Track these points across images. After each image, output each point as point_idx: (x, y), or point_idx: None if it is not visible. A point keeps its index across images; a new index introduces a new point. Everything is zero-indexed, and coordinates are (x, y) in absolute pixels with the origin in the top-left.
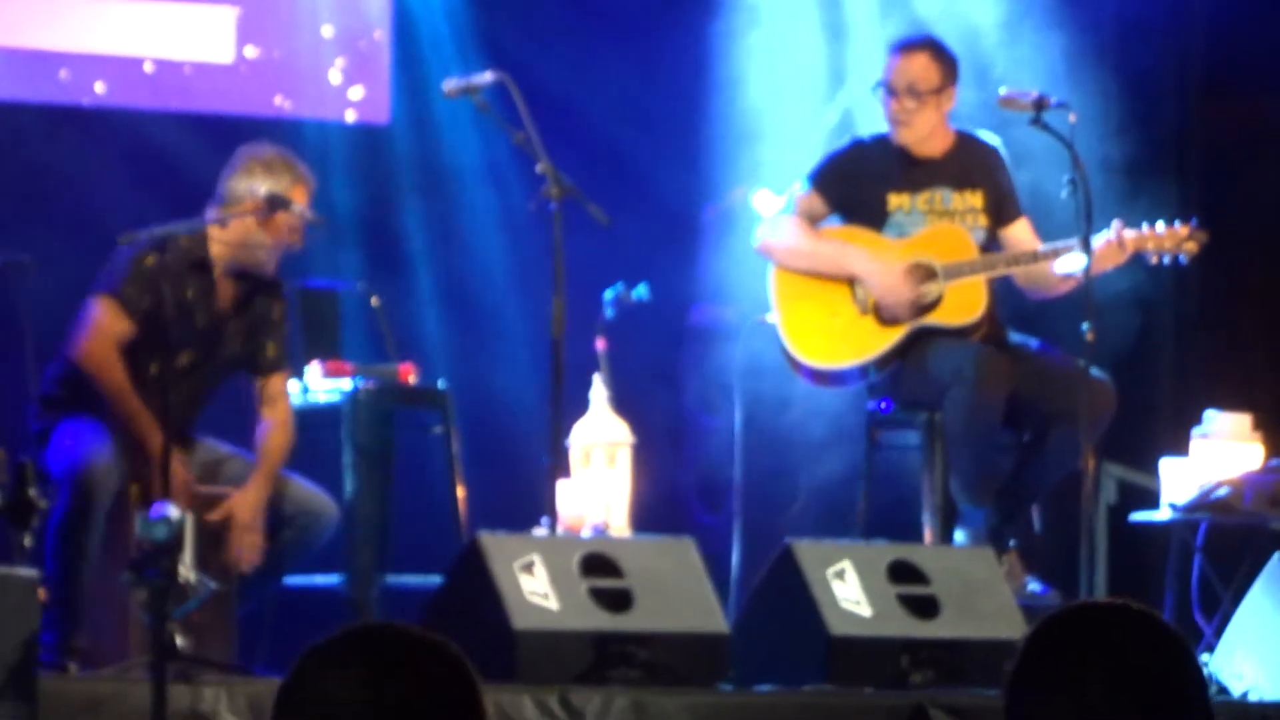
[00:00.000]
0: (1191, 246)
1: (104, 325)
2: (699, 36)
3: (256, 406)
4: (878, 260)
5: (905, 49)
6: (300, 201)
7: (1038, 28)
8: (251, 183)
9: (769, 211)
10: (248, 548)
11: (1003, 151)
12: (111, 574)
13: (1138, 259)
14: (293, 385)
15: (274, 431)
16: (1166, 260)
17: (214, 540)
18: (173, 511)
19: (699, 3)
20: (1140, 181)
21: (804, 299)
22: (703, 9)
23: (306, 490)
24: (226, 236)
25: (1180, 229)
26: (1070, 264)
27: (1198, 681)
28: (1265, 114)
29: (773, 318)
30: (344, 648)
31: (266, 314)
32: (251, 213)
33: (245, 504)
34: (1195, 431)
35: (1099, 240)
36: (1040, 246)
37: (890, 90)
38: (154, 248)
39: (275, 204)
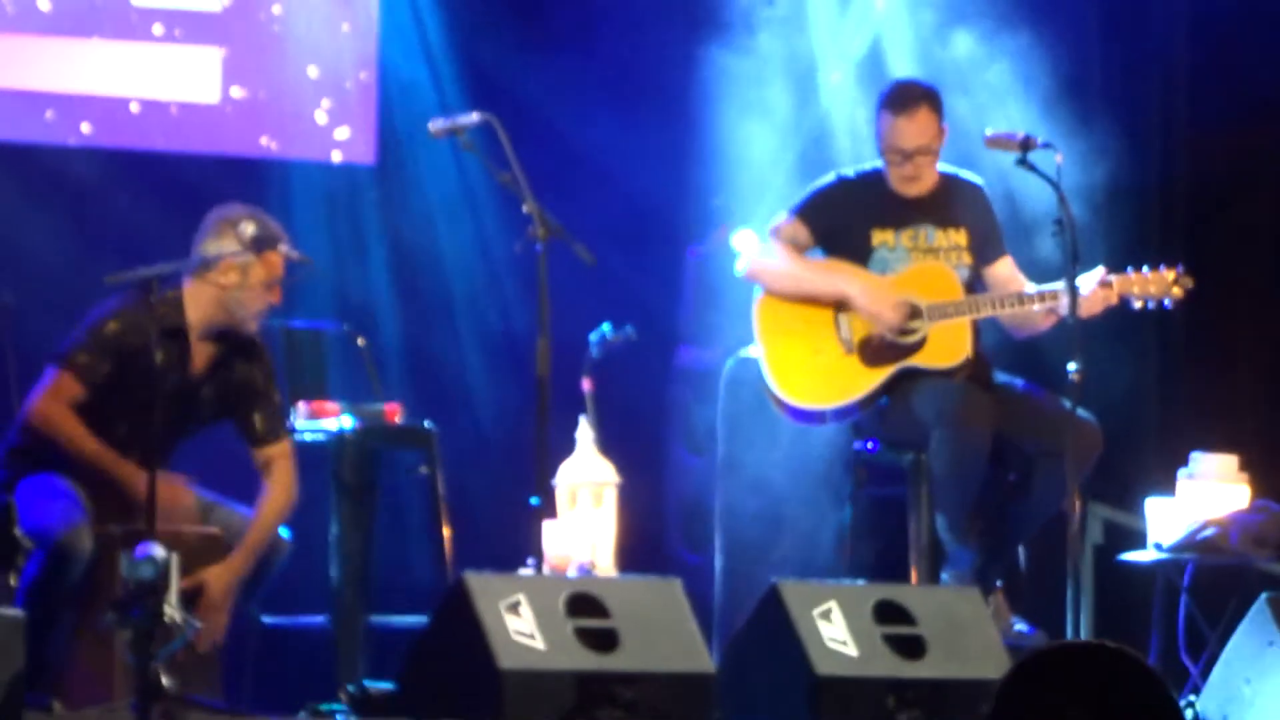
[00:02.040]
0: (1178, 291)
1: (55, 392)
2: (685, 79)
3: (259, 470)
4: (868, 281)
5: (906, 108)
6: (274, 260)
7: (1021, 66)
8: (222, 245)
9: (750, 249)
10: (212, 627)
11: (986, 190)
12: (96, 614)
13: (1123, 303)
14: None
15: (269, 501)
16: (1152, 305)
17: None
18: (158, 551)
19: (686, 47)
20: (1125, 221)
21: (788, 335)
22: (690, 54)
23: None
24: (204, 299)
25: (1166, 273)
26: (1050, 299)
27: (1175, 716)
28: (1250, 154)
29: (756, 352)
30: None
31: (249, 382)
32: (239, 254)
33: (220, 582)
34: (1181, 472)
35: (1085, 284)
36: (1026, 288)
37: (897, 153)
38: (116, 320)
39: (261, 243)
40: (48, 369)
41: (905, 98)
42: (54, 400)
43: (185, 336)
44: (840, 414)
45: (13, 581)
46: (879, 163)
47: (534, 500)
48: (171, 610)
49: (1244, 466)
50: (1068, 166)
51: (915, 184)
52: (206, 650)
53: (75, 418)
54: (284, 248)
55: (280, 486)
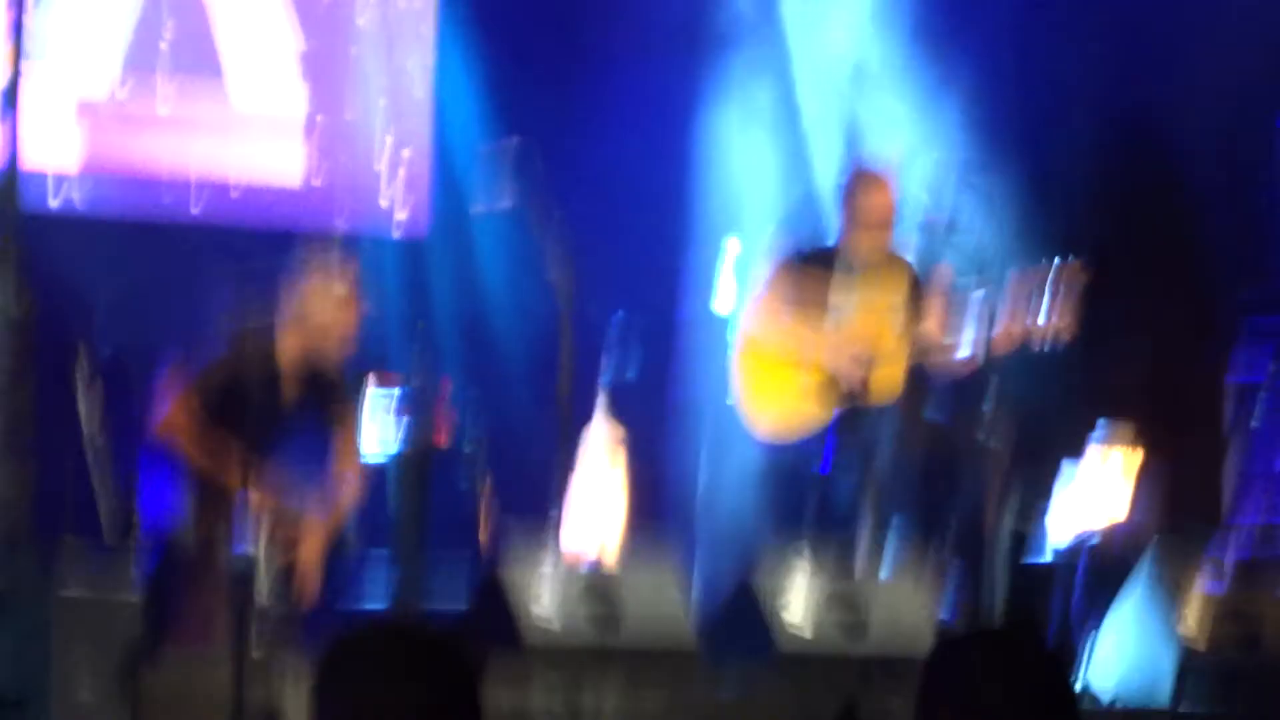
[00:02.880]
0: (1067, 336)
1: (176, 410)
2: (694, 134)
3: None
4: (832, 345)
5: (870, 186)
6: (349, 305)
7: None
8: (304, 303)
9: (726, 309)
10: (309, 589)
11: (915, 267)
12: (202, 597)
13: (1024, 348)
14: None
15: (343, 498)
16: (1047, 349)
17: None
18: (251, 547)
19: (689, 109)
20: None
21: (760, 384)
22: (692, 97)
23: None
24: (294, 348)
25: (1059, 321)
26: (966, 346)
27: (1066, 689)
28: (1137, 225)
29: (734, 401)
30: (367, 637)
31: (328, 405)
32: (323, 301)
33: (309, 551)
34: (1092, 439)
35: (996, 332)
36: (947, 339)
37: (868, 228)
38: (224, 363)
39: (346, 301)
40: (166, 400)
41: (878, 177)
42: (178, 417)
43: (277, 379)
44: (803, 445)
45: (134, 572)
46: (831, 240)
47: (554, 511)
48: (261, 596)
49: (1139, 435)
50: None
51: (859, 250)
52: (308, 607)
53: (188, 433)
54: (358, 302)
55: (349, 489)
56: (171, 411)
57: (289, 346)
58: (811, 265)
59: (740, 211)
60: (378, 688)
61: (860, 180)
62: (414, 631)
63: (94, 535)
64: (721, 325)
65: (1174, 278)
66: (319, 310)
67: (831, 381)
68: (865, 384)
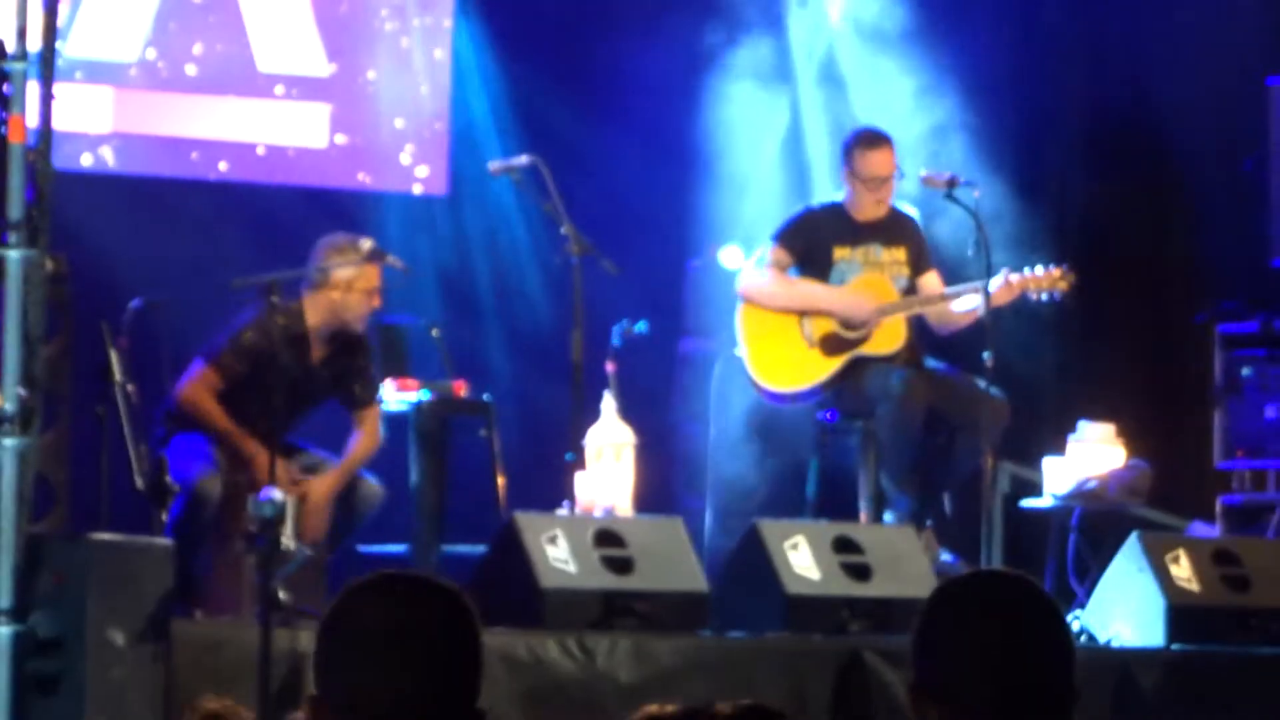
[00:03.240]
0: (1064, 285)
1: (200, 382)
2: (691, 121)
3: (352, 427)
4: (838, 293)
5: (874, 144)
6: (375, 274)
7: (953, 115)
8: (335, 262)
9: (735, 264)
10: (314, 526)
11: (919, 219)
12: (229, 543)
13: (1023, 297)
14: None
15: (359, 443)
16: (1045, 298)
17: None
18: (276, 494)
19: (690, 94)
20: (1030, 240)
21: (764, 337)
22: (693, 99)
23: (361, 479)
24: (320, 306)
25: (1054, 271)
26: (969, 302)
27: (1062, 629)
28: (1130, 185)
29: (740, 351)
30: (375, 584)
31: (353, 363)
32: (347, 266)
33: (320, 489)
34: (1071, 437)
35: (993, 284)
36: (946, 289)
37: (866, 180)
38: (256, 326)
39: (374, 255)
40: (196, 361)
41: (874, 136)
42: (198, 387)
43: (306, 339)
44: (806, 395)
45: (163, 518)
46: (838, 195)
47: (569, 456)
48: (288, 540)
49: (1120, 433)
50: (984, 199)
51: (879, 208)
52: (311, 542)
53: (213, 402)
54: (391, 258)
55: (369, 435)
56: (203, 373)
57: (317, 308)
58: (816, 220)
59: (749, 169)
60: (377, 642)
61: (860, 139)
62: (413, 582)
63: (126, 481)
64: (729, 278)
65: (1153, 275)
66: (343, 270)
67: (832, 338)
68: (869, 335)
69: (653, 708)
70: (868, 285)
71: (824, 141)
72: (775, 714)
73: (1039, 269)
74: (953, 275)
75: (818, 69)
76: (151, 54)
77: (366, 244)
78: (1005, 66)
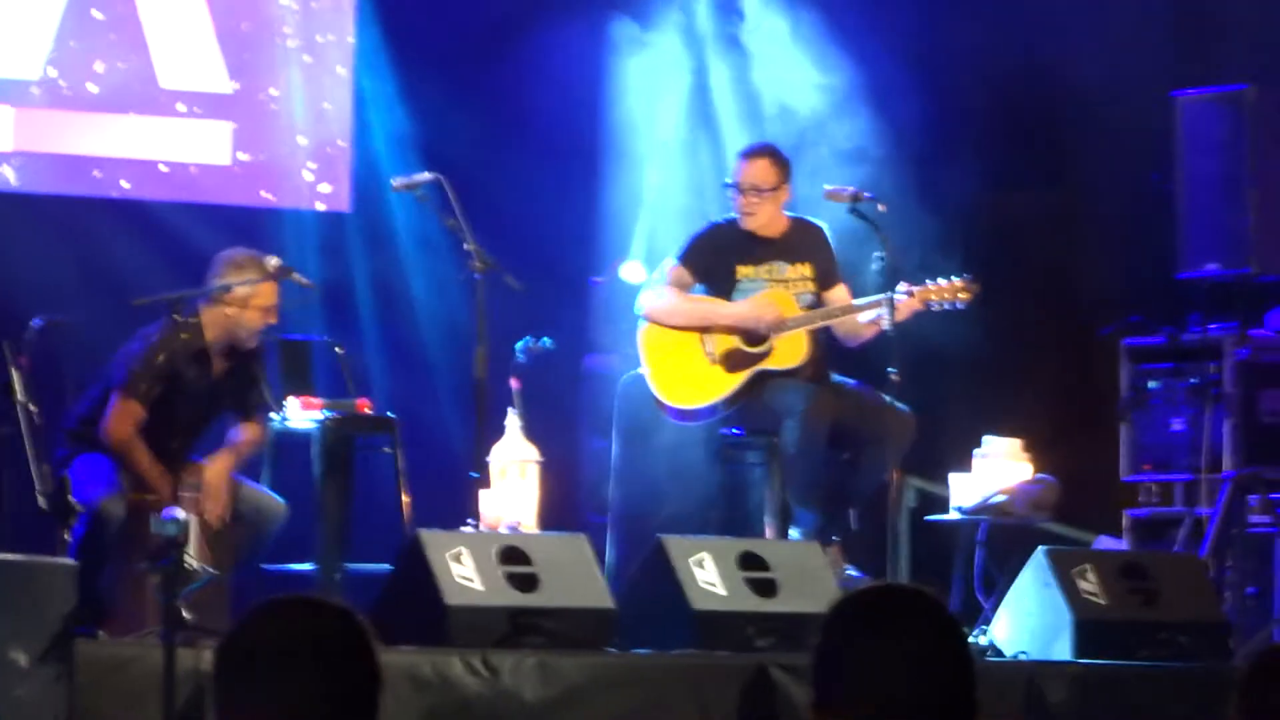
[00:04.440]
0: (965, 296)
1: (125, 418)
2: (593, 136)
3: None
4: (736, 306)
5: (749, 155)
6: (271, 292)
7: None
8: (227, 281)
9: (636, 279)
10: (212, 508)
11: (827, 231)
12: (133, 563)
13: (926, 308)
14: (274, 417)
15: (244, 432)
16: (948, 308)
17: (211, 539)
18: (179, 513)
19: (592, 115)
20: (935, 256)
21: (666, 355)
22: (595, 113)
23: (260, 494)
24: (218, 322)
25: (956, 282)
26: (871, 314)
27: (959, 643)
28: (1037, 199)
29: (642, 370)
30: (269, 608)
31: (249, 374)
32: (244, 284)
33: (213, 472)
34: (977, 452)
35: (896, 297)
36: (849, 302)
37: (738, 189)
38: (162, 345)
39: (279, 272)
40: (114, 394)
41: (752, 147)
42: (126, 423)
43: (207, 354)
44: (709, 412)
45: (66, 538)
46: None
47: (473, 474)
48: (191, 560)
49: (1027, 447)
50: (890, 213)
51: (751, 220)
52: (218, 524)
53: (141, 443)
54: (296, 275)
55: (255, 430)
56: (124, 408)
57: (214, 322)
58: (719, 237)
59: (652, 185)
60: (275, 668)
61: (743, 154)
62: (306, 604)
63: (29, 501)
64: (631, 293)
65: (1060, 288)
66: (240, 284)
67: (734, 354)
68: (770, 350)
69: None
70: (770, 298)
71: (726, 157)
72: None
73: (940, 280)
74: (856, 288)
75: (720, 80)
76: (53, 72)
77: (272, 261)
78: (911, 79)
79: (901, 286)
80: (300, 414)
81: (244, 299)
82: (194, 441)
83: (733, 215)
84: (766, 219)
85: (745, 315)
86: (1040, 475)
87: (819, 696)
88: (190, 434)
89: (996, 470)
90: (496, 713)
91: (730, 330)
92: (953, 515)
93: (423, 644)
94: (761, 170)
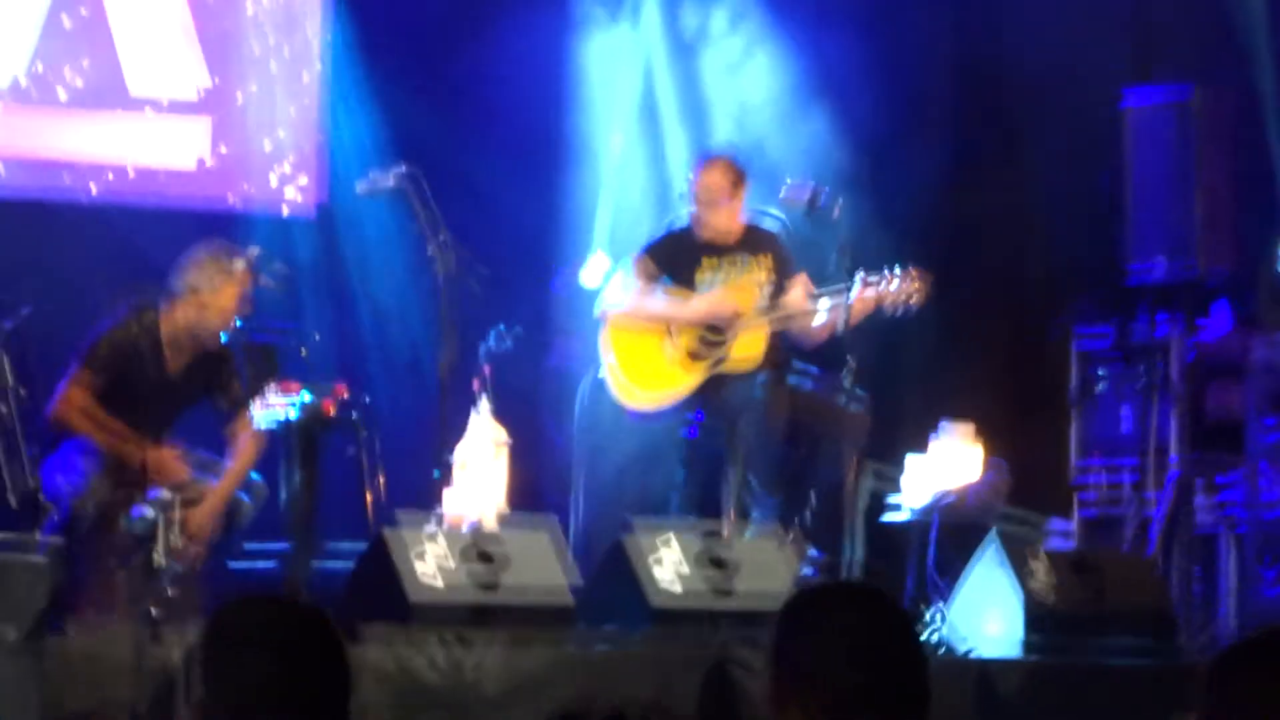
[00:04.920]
0: (918, 295)
1: (66, 401)
2: (557, 136)
3: (227, 440)
4: (702, 298)
5: (704, 164)
6: (231, 296)
7: (815, 127)
8: (189, 279)
9: (595, 283)
10: (196, 551)
11: (781, 233)
12: (103, 559)
13: (878, 311)
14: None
15: (236, 461)
16: (900, 312)
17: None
18: (149, 511)
19: (556, 114)
20: (890, 249)
21: (626, 355)
22: (558, 112)
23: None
24: (177, 319)
25: (909, 280)
26: (823, 315)
27: (909, 634)
28: (990, 198)
29: (603, 372)
30: (245, 607)
31: (217, 375)
32: (219, 279)
33: (199, 519)
34: (933, 437)
35: (852, 292)
36: (805, 303)
37: (695, 198)
38: (110, 337)
39: (249, 270)
40: (61, 381)
41: (708, 154)
42: (66, 405)
43: (160, 349)
44: (671, 408)
45: (38, 535)
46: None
47: (435, 473)
48: (159, 556)
49: (980, 432)
50: (846, 215)
51: (706, 228)
52: (193, 567)
53: (83, 416)
54: (263, 277)
55: (243, 454)
56: (68, 391)
57: (174, 319)
58: (677, 240)
59: (611, 190)
60: (249, 664)
61: (700, 162)
62: (278, 607)
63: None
64: (590, 298)
65: (1012, 281)
66: (202, 284)
67: (695, 351)
68: (729, 352)
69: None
70: (732, 289)
71: (683, 154)
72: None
73: (894, 275)
74: (814, 284)
75: (676, 75)
76: (23, 77)
77: (242, 260)
78: (866, 77)
79: (859, 276)
80: (277, 399)
81: (207, 296)
82: (162, 432)
83: (688, 221)
84: (722, 226)
85: (704, 312)
86: (994, 460)
87: (776, 689)
88: (155, 427)
89: (951, 454)
90: (460, 703)
91: (691, 323)
92: (905, 515)
93: (385, 638)
94: (718, 178)
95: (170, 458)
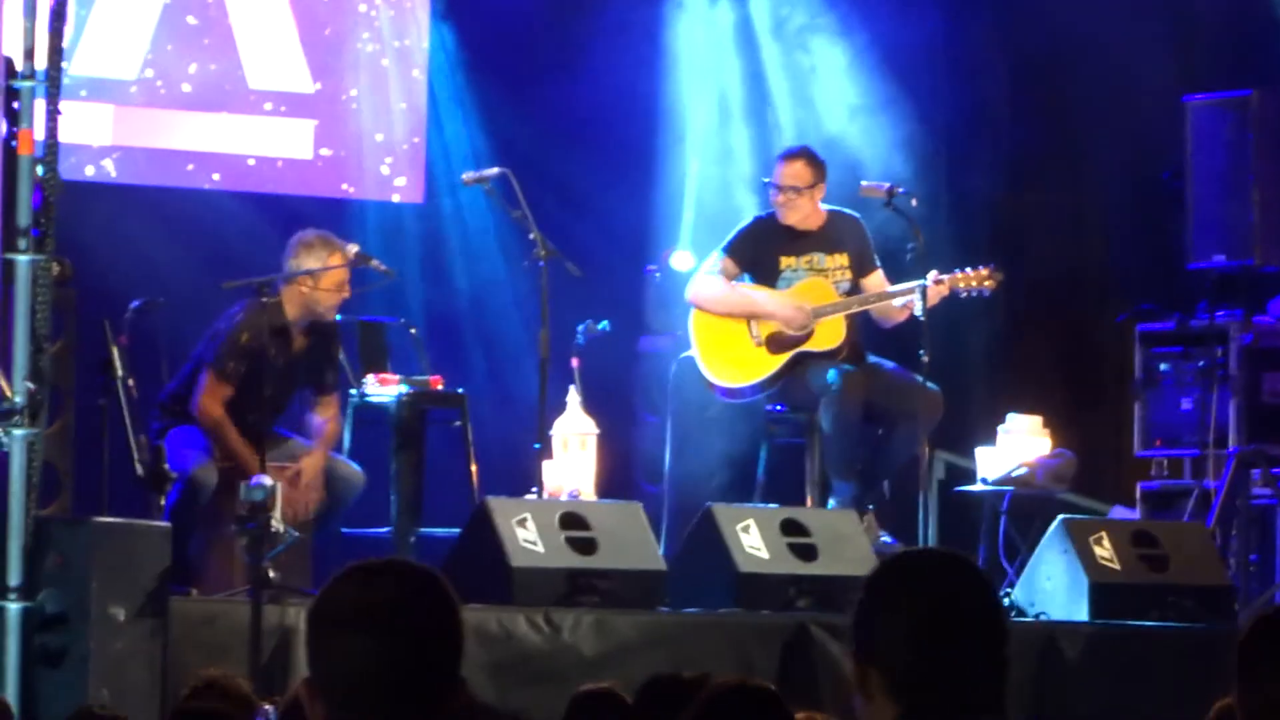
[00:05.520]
0: (990, 284)
1: (214, 396)
2: (650, 135)
3: (311, 409)
4: (777, 298)
5: (786, 157)
6: (341, 263)
7: (891, 130)
8: (298, 261)
9: (685, 267)
10: (311, 499)
11: (862, 223)
12: (222, 526)
13: (953, 295)
14: (353, 393)
15: (329, 424)
16: (974, 294)
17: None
18: (266, 480)
19: (649, 115)
20: (963, 248)
21: (714, 338)
22: (650, 119)
23: (341, 463)
24: (296, 300)
25: (982, 270)
26: (903, 300)
27: (994, 602)
28: (1054, 201)
29: (692, 353)
30: (358, 571)
31: (327, 351)
32: (343, 266)
33: (310, 466)
34: (1001, 428)
35: (928, 284)
36: (885, 288)
37: (776, 187)
38: (242, 327)
39: (358, 260)
40: (204, 373)
41: (789, 150)
42: (215, 401)
43: (288, 331)
44: (753, 390)
45: (161, 503)
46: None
47: (536, 445)
48: (276, 523)
49: (1046, 424)
50: (921, 208)
51: (790, 215)
52: (310, 515)
53: (229, 419)
54: (375, 261)
55: (334, 419)
56: (212, 388)
57: (293, 301)
58: (762, 231)
59: (702, 178)
60: (354, 648)
61: (782, 155)
62: (392, 566)
63: (126, 469)
64: (681, 281)
65: (1075, 277)
66: (313, 263)
67: (780, 331)
68: (811, 333)
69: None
70: (808, 289)
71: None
72: (766, 691)
73: (968, 269)
74: (890, 276)
75: (759, 78)
76: (150, 73)
77: (351, 249)
78: (934, 86)
79: (931, 274)
80: (378, 389)
81: (316, 278)
82: (276, 416)
83: (773, 210)
84: (804, 214)
85: (780, 310)
86: (1059, 450)
87: (860, 650)
88: (272, 408)
89: (1019, 445)
90: (556, 665)
91: (768, 319)
92: (979, 486)
93: (489, 602)
94: (798, 170)
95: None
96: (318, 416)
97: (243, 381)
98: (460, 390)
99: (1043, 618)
